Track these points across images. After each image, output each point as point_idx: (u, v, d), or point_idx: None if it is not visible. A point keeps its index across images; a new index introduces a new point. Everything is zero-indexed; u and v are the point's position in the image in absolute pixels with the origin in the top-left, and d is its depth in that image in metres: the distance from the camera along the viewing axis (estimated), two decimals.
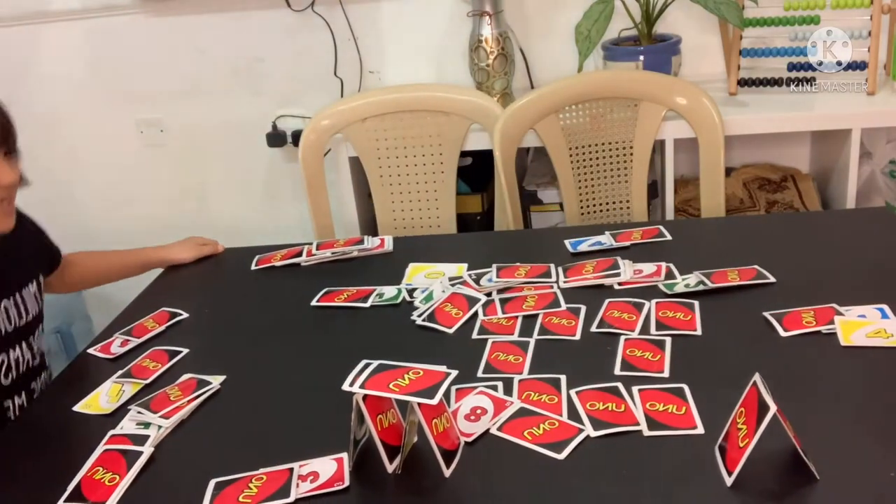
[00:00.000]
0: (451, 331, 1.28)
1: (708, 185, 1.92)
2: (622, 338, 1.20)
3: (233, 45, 2.34)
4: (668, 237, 1.53)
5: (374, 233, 1.90)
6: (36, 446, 1.14)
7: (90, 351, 1.38)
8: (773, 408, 0.84)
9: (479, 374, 1.16)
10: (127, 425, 1.13)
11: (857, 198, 1.96)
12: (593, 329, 1.24)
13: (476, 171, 2.20)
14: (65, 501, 0.99)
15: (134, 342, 1.38)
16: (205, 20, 2.32)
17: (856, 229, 1.55)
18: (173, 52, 2.37)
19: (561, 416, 1.03)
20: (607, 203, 2.03)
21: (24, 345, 1.33)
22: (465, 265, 1.50)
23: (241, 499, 0.95)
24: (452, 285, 1.41)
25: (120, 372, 1.28)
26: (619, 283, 1.36)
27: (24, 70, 2.43)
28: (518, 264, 1.46)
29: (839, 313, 1.17)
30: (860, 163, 1.94)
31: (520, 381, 1.12)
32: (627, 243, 1.51)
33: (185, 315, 1.46)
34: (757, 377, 0.90)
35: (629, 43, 2.12)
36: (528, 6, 2.22)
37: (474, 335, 1.26)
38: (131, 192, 2.55)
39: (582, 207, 2.03)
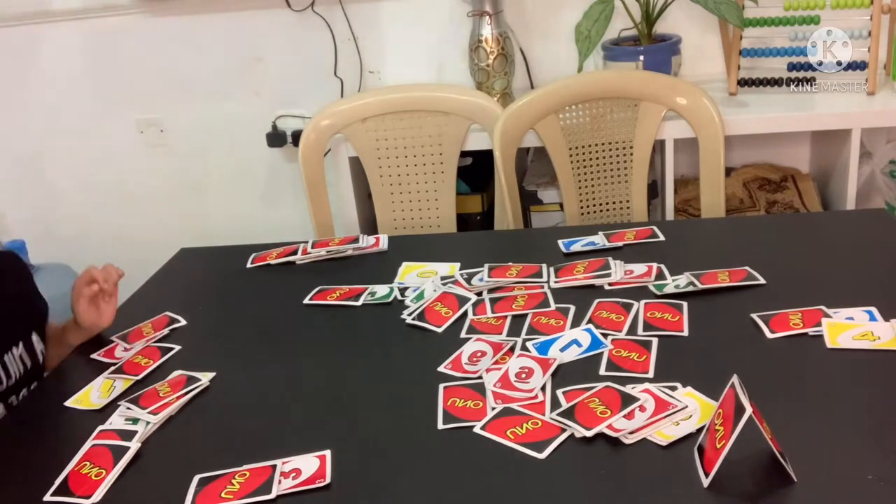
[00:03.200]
0: (440, 330, 1.29)
1: (708, 185, 1.92)
2: (609, 338, 1.19)
3: (233, 45, 2.35)
4: (662, 238, 1.52)
5: (375, 233, 1.91)
6: (26, 441, 1.15)
7: (94, 356, 1.35)
8: (748, 409, 0.83)
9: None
10: (115, 421, 1.14)
11: (857, 198, 1.95)
12: (581, 329, 1.24)
13: (476, 171, 2.20)
14: (52, 495, 1.00)
15: (136, 347, 1.35)
16: (205, 20, 2.33)
17: (851, 231, 1.54)
18: (173, 52, 2.38)
19: (544, 415, 1.03)
20: (607, 203, 2.03)
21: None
22: (458, 265, 1.50)
23: (223, 495, 0.96)
24: (444, 284, 1.41)
25: (112, 368, 1.29)
26: (610, 284, 1.36)
27: (24, 70, 2.43)
28: (510, 264, 1.46)
29: (827, 315, 1.17)
30: (860, 163, 1.93)
31: None
32: (621, 244, 1.51)
33: (184, 322, 1.42)
34: (735, 379, 0.90)
35: (629, 43, 2.12)
36: (528, 6, 2.22)
37: (463, 334, 1.27)
38: (131, 192, 2.56)
39: (582, 207, 2.02)
